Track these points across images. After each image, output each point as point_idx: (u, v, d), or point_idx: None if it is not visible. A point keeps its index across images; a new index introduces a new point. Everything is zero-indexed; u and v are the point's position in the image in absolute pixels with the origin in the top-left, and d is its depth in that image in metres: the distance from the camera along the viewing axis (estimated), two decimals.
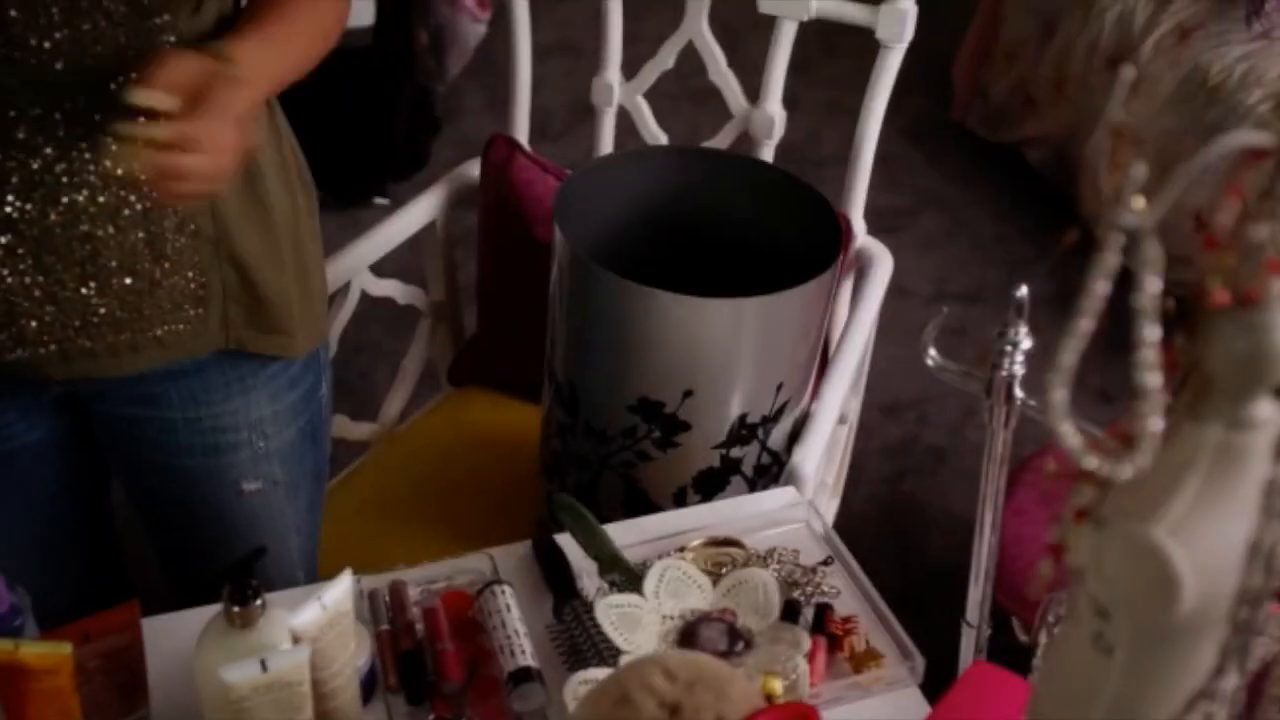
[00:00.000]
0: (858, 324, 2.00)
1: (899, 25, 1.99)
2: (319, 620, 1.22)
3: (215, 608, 1.23)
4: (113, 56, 1.29)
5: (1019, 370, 1.29)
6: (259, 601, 1.21)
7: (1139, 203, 0.76)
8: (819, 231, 1.78)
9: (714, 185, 1.86)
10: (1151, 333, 0.71)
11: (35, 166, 1.33)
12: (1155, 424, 0.73)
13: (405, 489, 2.10)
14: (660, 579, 1.39)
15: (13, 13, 1.23)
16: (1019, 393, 1.29)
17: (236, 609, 1.21)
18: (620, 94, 2.21)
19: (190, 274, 1.45)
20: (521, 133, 2.27)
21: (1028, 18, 3.83)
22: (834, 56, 4.23)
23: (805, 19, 2.05)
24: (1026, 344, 1.28)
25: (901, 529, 3.02)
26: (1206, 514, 0.77)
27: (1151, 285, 0.71)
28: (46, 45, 1.27)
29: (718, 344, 1.66)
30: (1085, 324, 0.74)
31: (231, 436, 1.59)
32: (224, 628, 1.22)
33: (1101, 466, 0.76)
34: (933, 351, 1.33)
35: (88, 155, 1.34)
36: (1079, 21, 3.61)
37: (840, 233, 1.74)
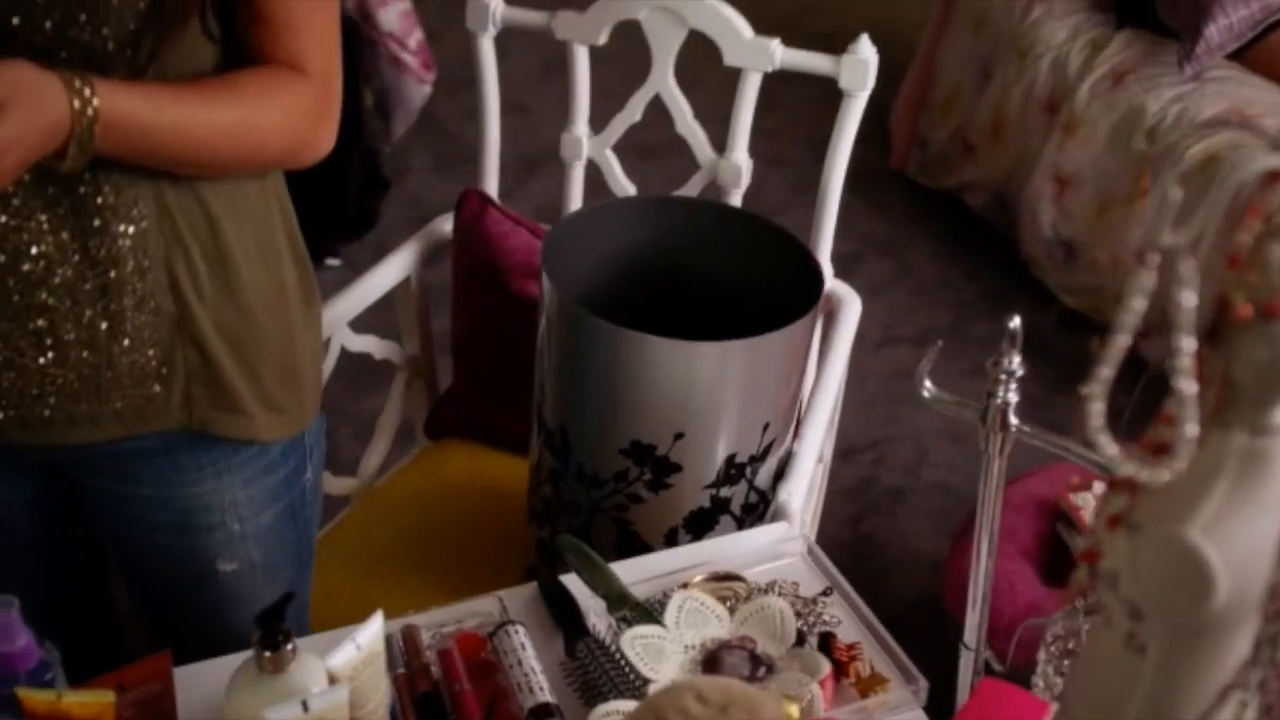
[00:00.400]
0: (831, 364, 2.05)
1: (861, 74, 2.06)
2: (354, 660, 1.25)
3: (245, 655, 1.26)
4: None
5: (1013, 398, 1.34)
6: (290, 646, 1.24)
7: None
8: (796, 275, 1.83)
9: (694, 232, 1.92)
10: (1188, 344, 0.77)
11: None
12: (1192, 429, 0.79)
13: (390, 541, 2.13)
14: (680, 610, 1.43)
15: None
16: (1013, 419, 1.35)
17: (268, 654, 1.23)
18: (589, 147, 2.27)
19: (151, 351, 1.46)
20: (491, 187, 2.31)
21: (963, 66, 3.93)
22: (771, 110, 4.31)
23: (770, 70, 2.11)
24: (1020, 372, 1.34)
25: (864, 569, 3.07)
26: (1236, 515, 0.83)
27: (1188, 300, 0.76)
28: None
29: (707, 386, 1.71)
30: (1123, 339, 0.80)
31: (204, 518, 1.60)
32: (254, 673, 1.25)
33: (1140, 472, 0.82)
34: (928, 383, 1.38)
35: (45, 226, 1.36)
36: (1014, 68, 3.71)
37: (819, 276, 1.80)
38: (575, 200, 2.29)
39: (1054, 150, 3.56)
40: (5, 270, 1.37)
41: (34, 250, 1.37)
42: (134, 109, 1.30)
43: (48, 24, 1.28)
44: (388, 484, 2.28)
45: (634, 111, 2.23)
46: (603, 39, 2.19)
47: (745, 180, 2.19)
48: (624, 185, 2.27)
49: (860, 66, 2.05)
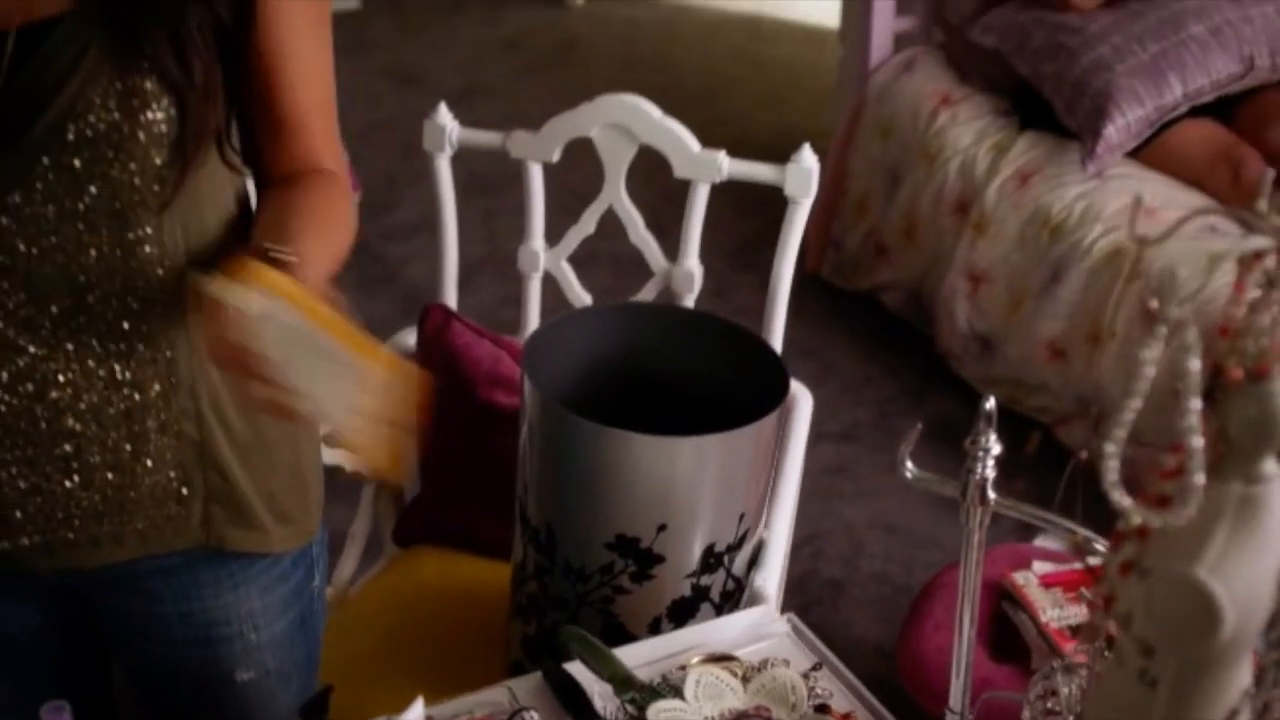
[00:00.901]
0: (792, 456, 2.16)
1: (805, 181, 2.20)
2: None
3: None
4: (97, 264, 1.41)
5: (990, 473, 1.45)
6: None
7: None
8: (760, 373, 1.94)
9: (664, 335, 2.02)
10: (1195, 404, 0.88)
11: (22, 364, 1.43)
12: (1200, 479, 0.90)
13: (371, 647, 2.19)
14: (698, 684, 1.52)
15: (4, 220, 1.34)
16: (992, 494, 1.46)
17: None
18: (545, 259, 2.37)
19: (172, 473, 1.54)
20: (451, 299, 2.40)
21: (873, 173, 4.10)
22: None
23: (718, 180, 2.24)
24: (996, 450, 1.45)
25: None
26: (1237, 555, 0.94)
27: (1194, 365, 0.87)
28: (35, 251, 1.39)
29: (687, 480, 1.80)
30: (1135, 403, 0.91)
31: (224, 629, 1.67)
32: None
33: (1154, 519, 0.92)
34: (909, 464, 1.49)
35: (73, 354, 1.44)
36: (924, 173, 3.88)
37: (784, 373, 1.91)
38: (534, 310, 2.40)
39: (966, 249, 3.73)
40: (33, 398, 1.44)
41: (61, 378, 1.44)
42: (313, 249, 1.37)
43: (76, 162, 1.37)
44: (362, 592, 2.34)
45: (588, 224, 2.35)
46: (555, 156, 2.31)
47: (698, 285, 2.30)
48: (579, 294, 2.37)
49: (804, 175, 2.19)
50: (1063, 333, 3.50)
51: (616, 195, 2.31)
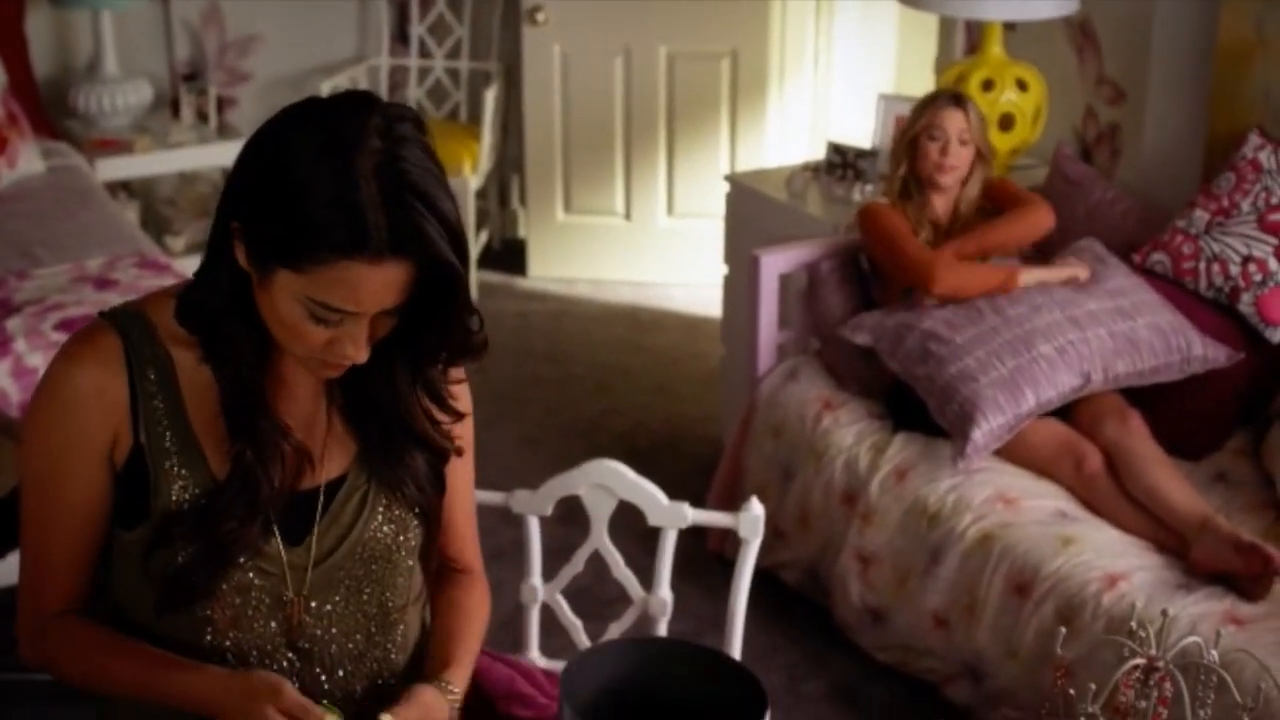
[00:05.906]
0: None
1: (754, 525, 2.77)
2: None
3: None
4: (365, 642, 2.06)
5: None
6: None
7: None
8: (741, 694, 2.48)
9: (667, 664, 2.54)
10: None
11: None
12: None
13: None
14: None
15: (309, 618, 1.97)
16: None
17: None
18: (543, 593, 2.90)
19: None
20: None
21: (767, 468, 4.69)
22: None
23: (684, 526, 2.80)
24: None
25: None
26: None
27: None
28: (326, 636, 2.02)
29: None
30: None
31: None
32: None
33: None
34: None
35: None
36: (813, 468, 4.49)
37: (763, 692, 2.44)
38: (534, 638, 2.91)
39: (855, 535, 4.32)
40: None
41: None
42: (467, 673, 2.09)
43: (362, 572, 2.03)
44: None
45: (577, 564, 2.89)
46: (549, 510, 2.85)
47: (669, 610, 2.85)
48: (571, 619, 2.90)
49: (754, 520, 2.77)
50: (944, 605, 4.09)
51: (601, 540, 2.85)
